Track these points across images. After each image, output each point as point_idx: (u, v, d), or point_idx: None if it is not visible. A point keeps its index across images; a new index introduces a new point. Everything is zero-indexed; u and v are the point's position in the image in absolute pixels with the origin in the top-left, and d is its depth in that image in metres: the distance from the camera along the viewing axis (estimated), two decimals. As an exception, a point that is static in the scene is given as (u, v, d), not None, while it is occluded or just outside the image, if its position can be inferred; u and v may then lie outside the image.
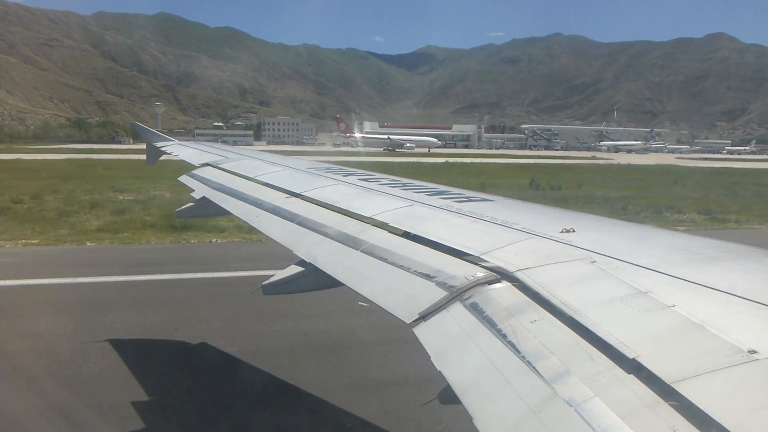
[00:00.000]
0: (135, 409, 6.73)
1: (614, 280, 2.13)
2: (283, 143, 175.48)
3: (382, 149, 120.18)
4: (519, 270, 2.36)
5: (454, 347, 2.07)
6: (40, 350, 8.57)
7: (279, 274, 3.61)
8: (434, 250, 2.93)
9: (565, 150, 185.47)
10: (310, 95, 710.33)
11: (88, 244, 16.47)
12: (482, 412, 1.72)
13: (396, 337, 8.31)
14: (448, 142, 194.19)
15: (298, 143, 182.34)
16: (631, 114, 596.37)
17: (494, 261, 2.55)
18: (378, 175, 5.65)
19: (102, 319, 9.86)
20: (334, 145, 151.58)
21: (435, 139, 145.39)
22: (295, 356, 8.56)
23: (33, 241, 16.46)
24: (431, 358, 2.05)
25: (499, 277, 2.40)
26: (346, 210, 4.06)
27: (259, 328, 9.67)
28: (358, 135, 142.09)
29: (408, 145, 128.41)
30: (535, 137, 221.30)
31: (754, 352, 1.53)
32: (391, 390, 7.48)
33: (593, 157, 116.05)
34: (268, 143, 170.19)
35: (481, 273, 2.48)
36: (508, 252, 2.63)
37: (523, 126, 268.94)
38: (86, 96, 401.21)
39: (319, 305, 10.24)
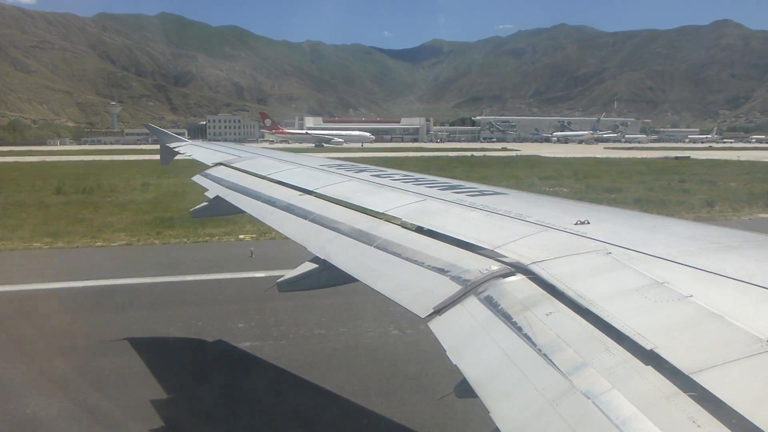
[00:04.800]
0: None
1: (630, 271, 2.10)
2: (225, 140, 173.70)
3: (314, 145, 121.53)
4: (534, 263, 2.33)
5: (469, 341, 2.05)
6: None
7: (293, 272, 3.53)
8: (448, 245, 2.89)
9: (518, 141, 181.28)
10: (309, 92, 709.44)
11: None
12: (499, 405, 1.70)
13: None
14: (395, 136, 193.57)
15: (241, 140, 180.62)
16: (632, 104, 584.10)
17: (508, 254, 2.51)
18: (390, 171, 5.70)
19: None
20: (270, 142, 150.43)
21: (368, 134, 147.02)
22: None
23: None
24: (446, 352, 2.03)
25: (513, 270, 2.37)
26: (358, 206, 4.03)
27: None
28: (266, 131, 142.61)
29: (336, 140, 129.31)
30: (491, 129, 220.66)
31: None
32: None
33: (503, 149, 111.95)
34: (207, 140, 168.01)
35: (495, 266, 2.44)
36: (523, 245, 2.59)
37: (477, 118, 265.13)
38: (66, 98, 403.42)
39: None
